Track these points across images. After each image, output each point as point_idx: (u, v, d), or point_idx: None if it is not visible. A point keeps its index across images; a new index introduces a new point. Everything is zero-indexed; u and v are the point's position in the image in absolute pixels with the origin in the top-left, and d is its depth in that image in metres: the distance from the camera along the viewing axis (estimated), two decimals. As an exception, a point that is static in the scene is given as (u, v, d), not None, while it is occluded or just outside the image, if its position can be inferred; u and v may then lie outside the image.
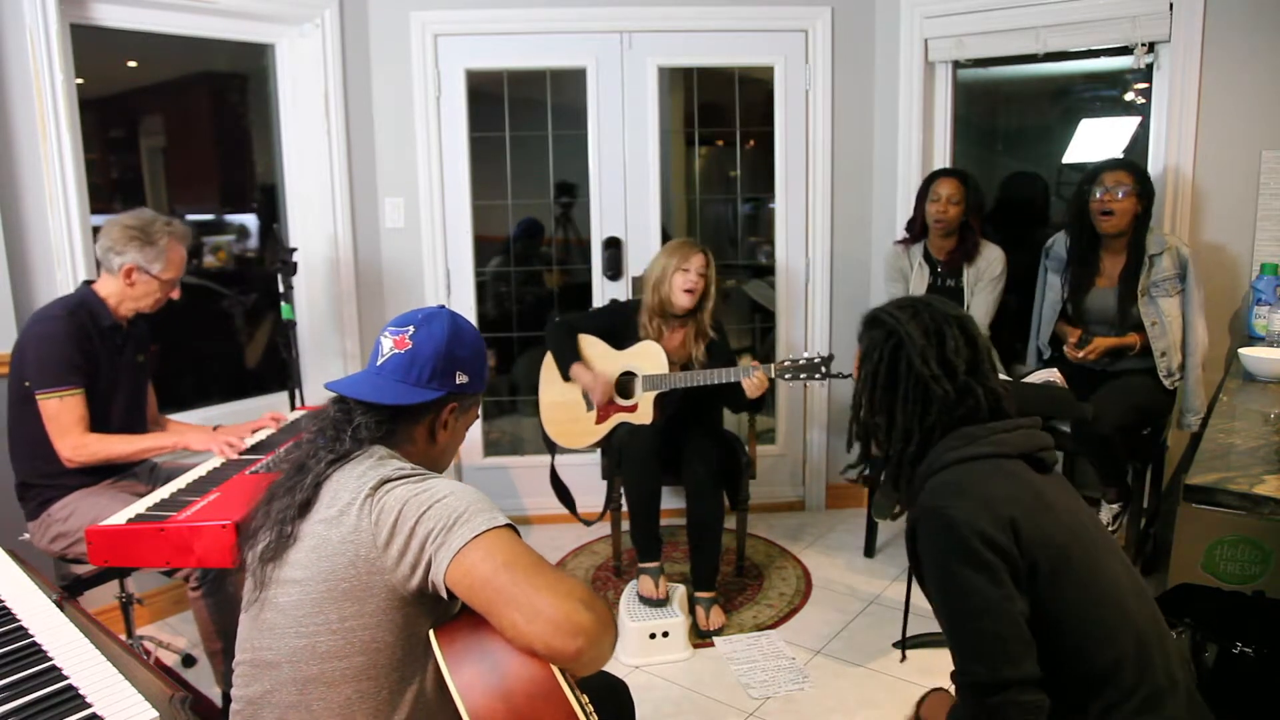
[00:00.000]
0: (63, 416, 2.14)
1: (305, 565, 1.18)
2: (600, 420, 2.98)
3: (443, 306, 1.40)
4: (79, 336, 2.18)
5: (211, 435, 2.31)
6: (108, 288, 2.28)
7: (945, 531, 1.21)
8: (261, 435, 2.42)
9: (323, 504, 1.21)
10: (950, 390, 1.33)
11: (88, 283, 2.32)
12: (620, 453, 2.89)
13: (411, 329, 1.33)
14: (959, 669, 1.23)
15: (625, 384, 2.97)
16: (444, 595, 1.14)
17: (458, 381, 1.35)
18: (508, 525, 1.16)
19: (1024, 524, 1.20)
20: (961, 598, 1.20)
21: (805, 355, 2.76)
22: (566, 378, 2.99)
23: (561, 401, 3.04)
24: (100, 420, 2.25)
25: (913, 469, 1.35)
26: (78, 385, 2.16)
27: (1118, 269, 2.82)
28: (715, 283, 2.95)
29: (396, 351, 1.32)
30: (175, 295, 2.33)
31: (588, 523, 3.17)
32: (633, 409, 2.93)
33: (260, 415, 2.57)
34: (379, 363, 1.33)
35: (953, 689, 1.40)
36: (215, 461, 2.28)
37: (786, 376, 2.75)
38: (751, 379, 2.74)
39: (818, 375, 2.73)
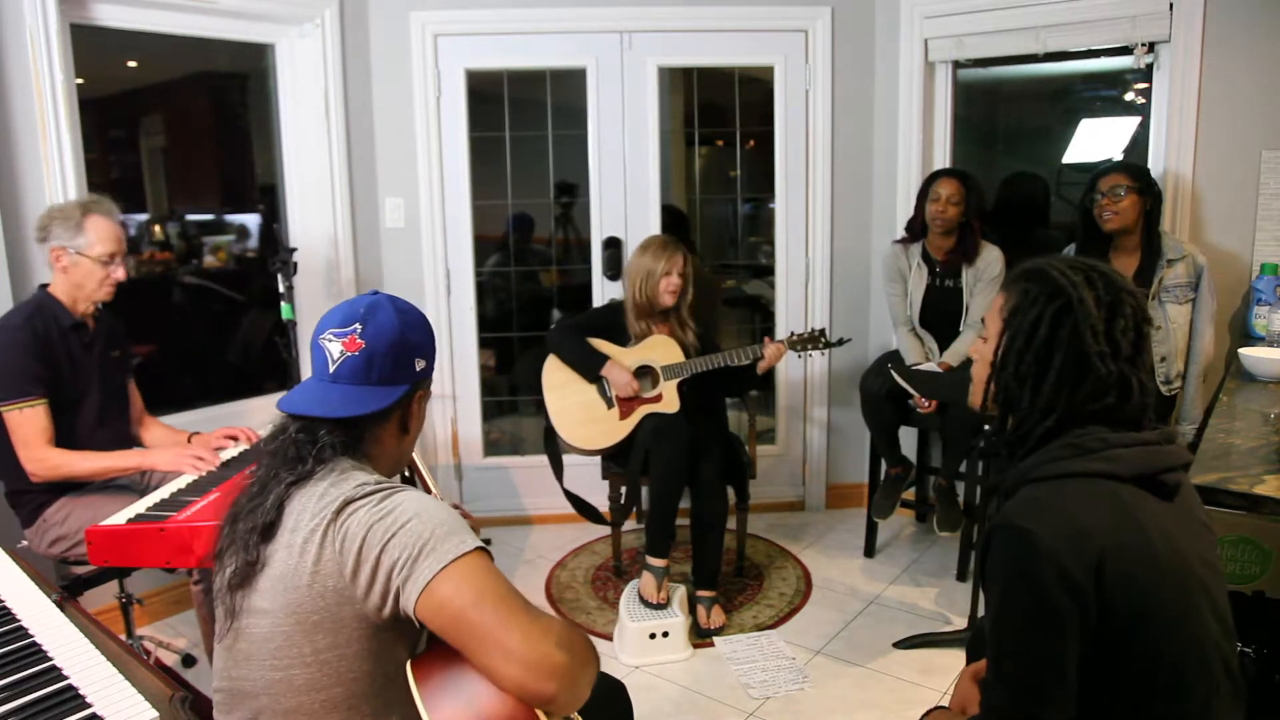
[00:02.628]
0: (24, 429, 2.10)
1: (273, 595, 1.13)
2: (625, 415, 2.97)
3: (377, 292, 1.30)
4: (38, 344, 2.13)
5: (179, 455, 2.23)
6: (57, 284, 2.24)
7: (1021, 555, 1.11)
8: (234, 451, 2.36)
9: (286, 528, 1.15)
10: (1114, 370, 1.18)
11: (43, 286, 2.27)
12: (651, 444, 2.84)
13: (358, 327, 1.23)
14: (990, 685, 1.17)
15: (641, 378, 2.98)
16: (416, 625, 1.11)
17: (418, 369, 1.28)
18: (478, 549, 1.09)
19: (1111, 561, 1.09)
20: (1017, 625, 1.12)
21: (803, 329, 3.01)
22: (596, 379, 2.97)
23: (578, 403, 2.99)
24: (73, 420, 2.21)
25: (1040, 445, 1.21)
26: (38, 396, 2.11)
27: (1130, 270, 2.80)
28: (693, 275, 3.06)
29: (349, 354, 1.22)
30: (121, 276, 2.23)
31: (616, 523, 3.22)
32: (658, 399, 2.95)
33: (257, 416, 2.54)
34: (331, 370, 1.23)
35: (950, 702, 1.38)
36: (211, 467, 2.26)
37: (798, 348, 2.97)
38: (769, 348, 2.90)
39: (822, 343, 2.97)
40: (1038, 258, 1.31)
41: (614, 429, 2.97)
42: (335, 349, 1.24)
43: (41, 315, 2.19)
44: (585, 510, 3.13)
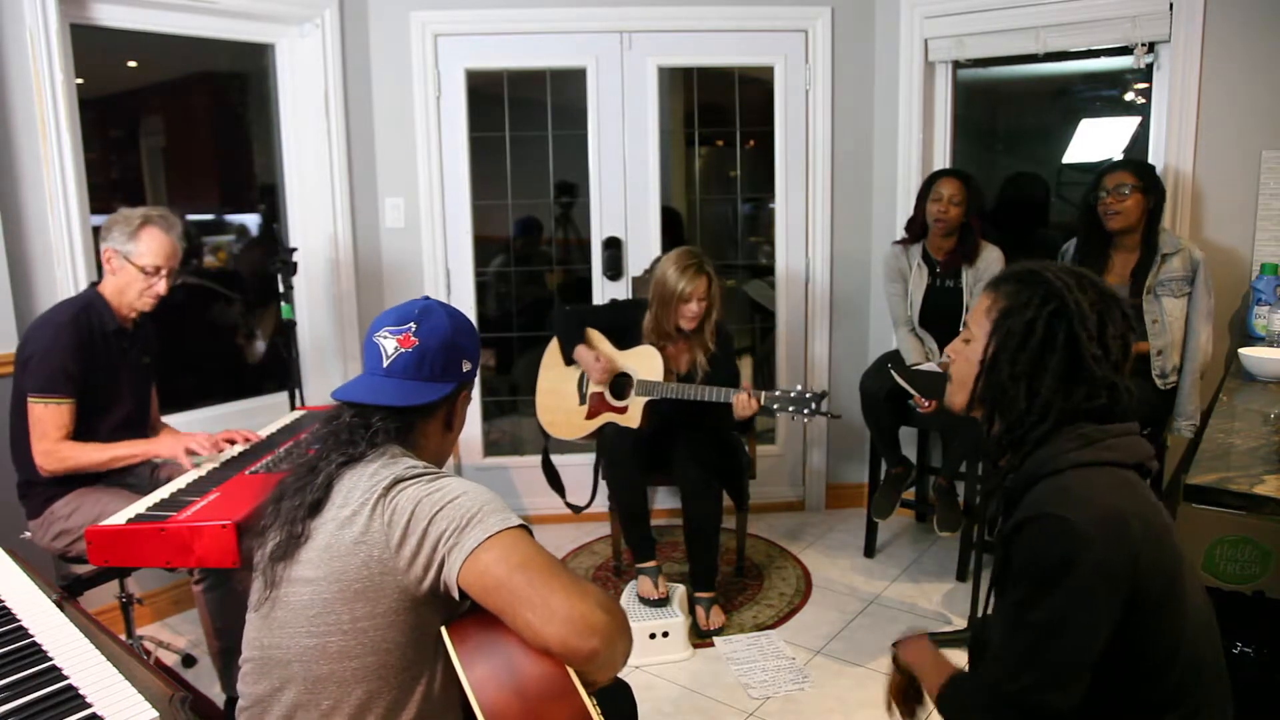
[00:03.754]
0: (45, 422, 2.14)
1: (317, 565, 1.18)
2: (590, 415, 2.98)
3: (428, 298, 1.38)
4: (80, 344, 2.17)
5: (179, 441, 2.25)
6: (106, 285, 2.28)
7: (1060, 541, 1.11)
8: (234, 451, 2.36)
9: (334, 504, 1.21)
10: (1107, 374, 1.20)
11: (94, 284, 2.31)
12: (604, 455, 2.91)
13: (413, 325, 1.31)
14: (1004, 668, 1.16)
15: (620, 385, 2.97)
16: (455, 596, 1.14)
17: (464, 370, 1.35)
18: (521, 526, 1.15)
19: (1145, 550, 1.11)
20: (1046, 610, 1.12)
21: (798, 388, 2.68)
22: (570, 361, 2.99)
23: (555, 390, 3.06)
24: (97, 424, 2.24)
25: (1034, 450, 1.22)
26: (67, 395, 2.15)
27: (1129, 266, 2.82)
28: (719, 296, 2.90)
29: (404, 350, 1.30)
30: (162, 290, 2.27)
31: (576, 509, 3.19)
32: (622, 410, 2.93)
33: (258, 416, 2.55)
34: (385, 364, 1.30)
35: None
36: (214, 463, 2.27)
37: (775, 406, 2.68)
38: (740, 398, 2.68)
39: (806, 411, 2.64)
40: (1024, 261, 1.32)
41: (578, 425, 3.02)
42: (390, 345, 1.31)
43: (88, 315, 2.23)
44: (554, 483, 3.20)
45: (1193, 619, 1.16)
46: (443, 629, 1.16)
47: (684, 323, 2.86)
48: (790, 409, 2.66)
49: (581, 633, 1.05)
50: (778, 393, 2.69)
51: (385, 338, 1.31)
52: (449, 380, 1.33)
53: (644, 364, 2.92)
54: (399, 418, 1.29)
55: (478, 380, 3.67)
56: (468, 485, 1.19)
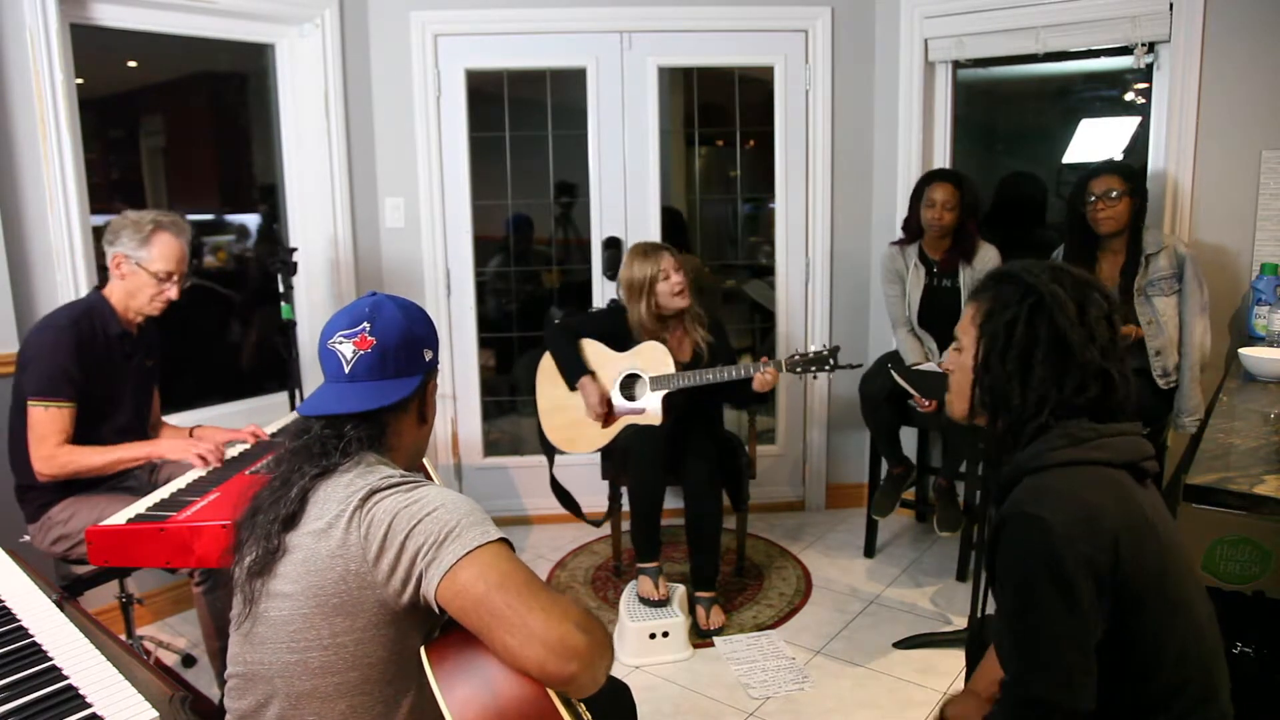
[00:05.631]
0: (44, 426, 2.11)
1: (295, 579, 1.16)
2: (607, 424, 2.96)
3: (375, 293, 1.34)
4: (80, 348, 2.15)
5: (187, 443, 2.25)
6: (113, 289, 2.27)
7: (1038, 542, 1.12)
8: (239, 449, 2.37)
9: (310, 517, 1.19)
10: (1094, 357, 1.21)
11: (98, 288, 2.30)
12: (625, 454, 2.88)
13: (367, 325, 1.28)
14: (1013, 677, 1.17)
15: (629, 384, 2.96)
16: (435, 610, 1.12)
17: (427, 359, 1.33)
18: (501, 539, 1.12)
19: (1125, 544, 1.12)
20: (1038, 613, 1.13)
21: (813, 348, 2.75)
22: (573, 388, 2.96)
23: (564, 405, 3.00)
24: (100, 428, 2.23)
25: (1030, 441, 1.23)
26: (68, 399, 2.13)
27: (1116, 268, 2.82)
28: (690, 272, 2.92)
29: (363, 352, 1.27)
30: (174, 295, 2.27)
31: (596, 523, 3.17)
32: (641, 411, 2.92)
33: (258, 416, 2.55)
34: (347, 370, 1.27)
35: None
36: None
37: (798, 370, 2.75)
38: (764, 375, 2.73)
39: (827, 367, 2.73)
40: (1000, 265, 1.34)
41: (595, 435, 2.97)
42: (348, 350, 1.27)
43: (90, 319, 2.21)
44: (567, 502, 3.16)
45: (1184, 619, 1.16)
46: (421, 650, 1.14)
47: (676, 300, 2.85)
48: (812, 369, 2.72)
49: (560, 657, 1.03)
50: (796, 355, 2.74)
51: (341, 343, 1.28)
52: (415, 373, 1.30)
53: (651, 360, 2.91)
54: (371, 423, 1.26)
55: (476, 379, 3.73)
56: (446, 495, 1.16)
